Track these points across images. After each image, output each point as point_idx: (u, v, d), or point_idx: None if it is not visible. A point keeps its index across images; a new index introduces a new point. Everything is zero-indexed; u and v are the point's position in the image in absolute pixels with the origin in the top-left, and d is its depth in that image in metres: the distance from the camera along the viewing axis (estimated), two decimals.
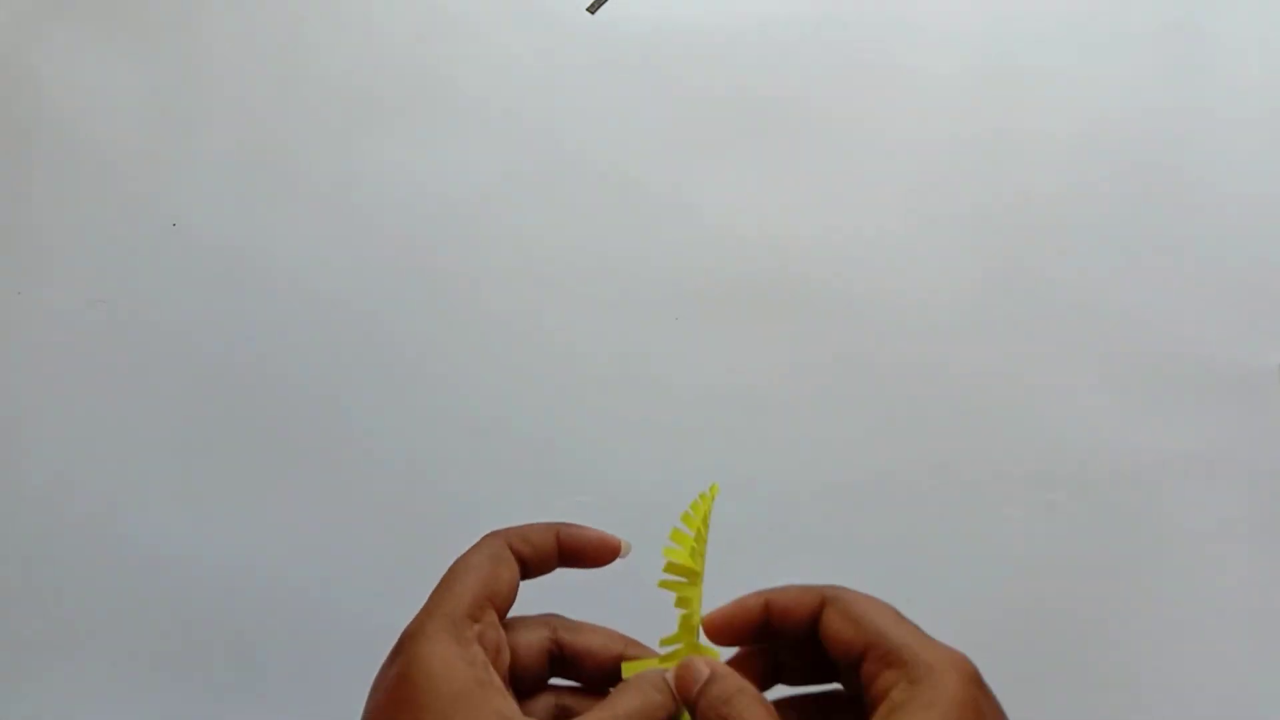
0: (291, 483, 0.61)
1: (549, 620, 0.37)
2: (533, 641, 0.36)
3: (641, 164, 0.67)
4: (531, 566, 0.36)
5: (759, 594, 0.37)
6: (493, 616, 0.34)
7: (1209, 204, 0.65)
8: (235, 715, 0.57)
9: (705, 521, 0.38)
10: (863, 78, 0.68)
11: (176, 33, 0.70)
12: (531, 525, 0.37)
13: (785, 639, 0.36)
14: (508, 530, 0.36)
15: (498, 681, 0.32)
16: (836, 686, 0.36)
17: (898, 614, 0.34)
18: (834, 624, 0.34)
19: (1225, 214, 0.65)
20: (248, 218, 0.66)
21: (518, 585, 0.36)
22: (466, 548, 0.36)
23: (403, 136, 0.68)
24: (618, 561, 0.38)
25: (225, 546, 0.60)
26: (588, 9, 0.69)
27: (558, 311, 0.64)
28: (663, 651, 0.36)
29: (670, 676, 0.34)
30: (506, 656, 0.35)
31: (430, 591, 0.35)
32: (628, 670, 0.36)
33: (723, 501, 0.62)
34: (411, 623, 0.33)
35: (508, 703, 0.31)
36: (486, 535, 0.36)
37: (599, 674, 0.37)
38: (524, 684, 0.36)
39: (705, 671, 0.34)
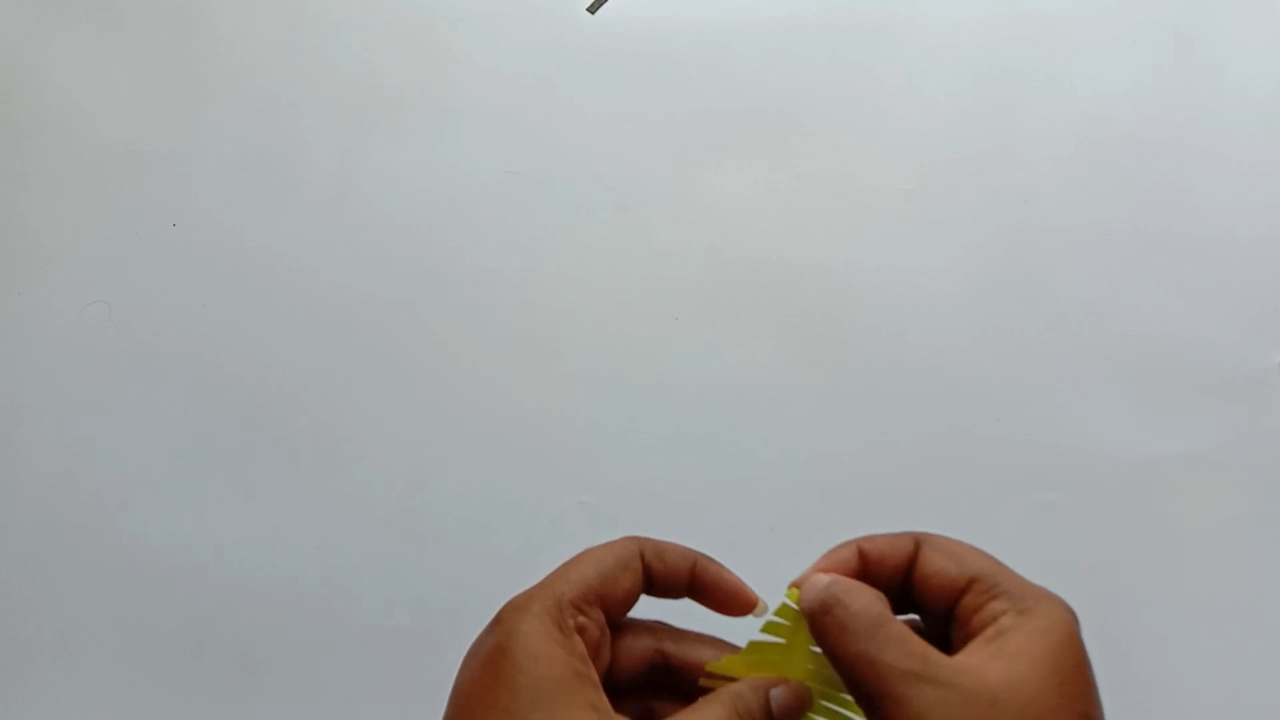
0: (292, 483, 0.61)
1: (655, 627, 0.36)
2: (634, 647, 0.35)
3: (641, 163, 0.67)
4: (659, 584, 0.35)
5: (848, 544, 0.36)
6: (599, 615, 0.33)
7: (1209, 204, 0.65)
8: (235, 716, 0.57)
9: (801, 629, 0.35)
10: (863, 77, 0.68)
11: (176, 33, 0.70)
12: (674, 545, 0.36)
13: (878, 586, 0.34)
14: (647, 540, 0.36)
15: (594, 676, 0.31)
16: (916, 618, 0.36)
17: (994, 558, 0.34)
18: (935, 561, 0.34)
19: (1225, 214, 0.65)
20: (248, 218, 0.66)
21: (637, 595, 0.35)
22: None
23: (403, 136, 0.68)
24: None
25: (226, 546, 0.59)
26: (588, 9, 0.69)
27: (557, 311, 0.64)
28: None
29: (761, 690, 0.33)
30: (606, 657, 0.34)
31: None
32: (708, 681, 0.34)
33: (722, 501, 0.62)
34: (517, 596, 0.33)
35: (602, 698, 0.31)
36: (625, 537, 0.35)
37: (701, 689, 0.36)
38: (621, 688, 0.35)
39: (825, 579, 0.33)
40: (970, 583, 0.33)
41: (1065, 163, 0.66)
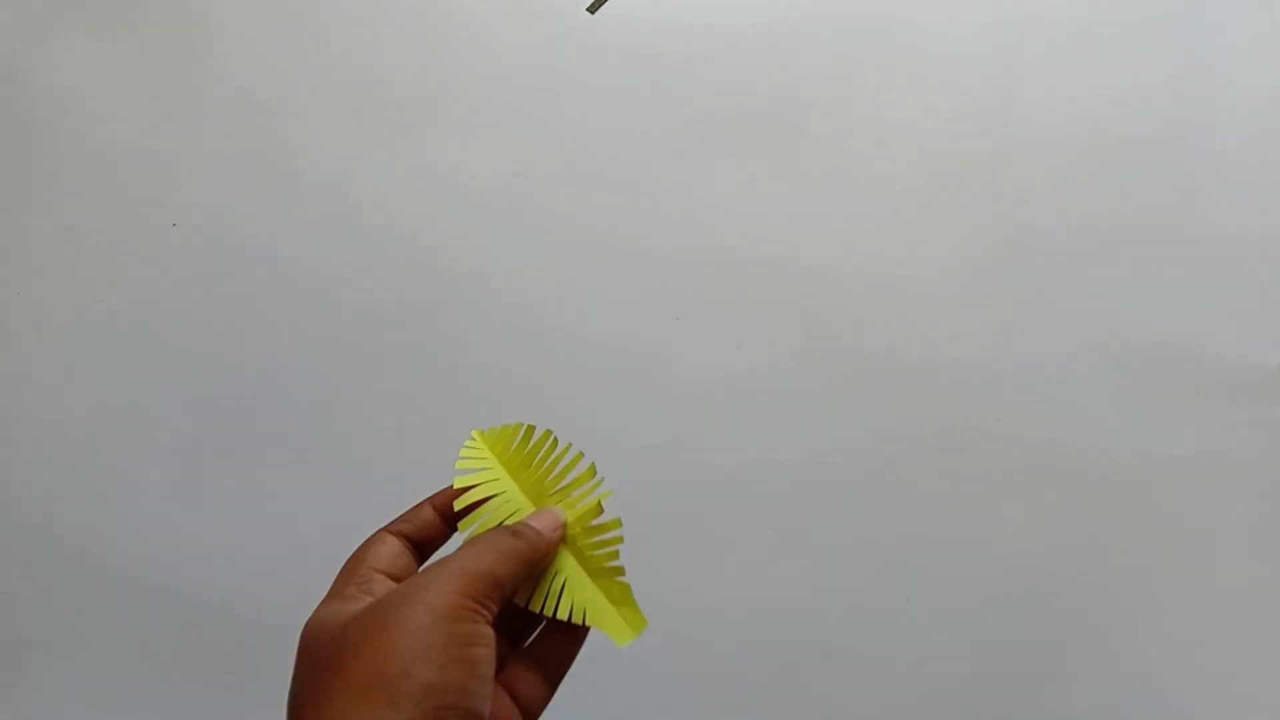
0: (292, 482, 0.61)
1: (390, 527, 0.39)
2: (392, 554, 0.38)
3: (641, 163, 0.67)
4: (420, 541, 0.39)
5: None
6: (382, 579, 0.36)
7: (1209, 204, 0.65)
8: (235, 716, 0.57)
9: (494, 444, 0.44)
10: (863, 77, 0.68)
11: (176, 33, 0.70)
12: (411, 508, 0.40)
13: None
14: (390, 523, 0.40)
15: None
16: None
17: None
18: None
19: (1226, 214, 0.65)
20: (248, 218, 0.66)
21: (406, 557, 0.38)
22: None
23: (403, 136, 0.68)
24: None
25: (225, 546, 0.59)
26: (588, 9, 0.69)
27: (557, 311, 0.64)
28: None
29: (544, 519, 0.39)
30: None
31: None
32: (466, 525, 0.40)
33: (724, 500, 0.62)
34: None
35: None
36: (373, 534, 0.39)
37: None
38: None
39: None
40: None
41: (1066, 163, 0.66)
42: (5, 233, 0.66)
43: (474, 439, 0.45)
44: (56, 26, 0.70)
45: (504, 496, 0.42)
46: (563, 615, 0.39)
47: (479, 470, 0.43)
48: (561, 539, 0.40)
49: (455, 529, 0.41)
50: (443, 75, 0.69)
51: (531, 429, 0.45)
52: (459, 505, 0.41)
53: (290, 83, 0.69)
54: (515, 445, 0.45)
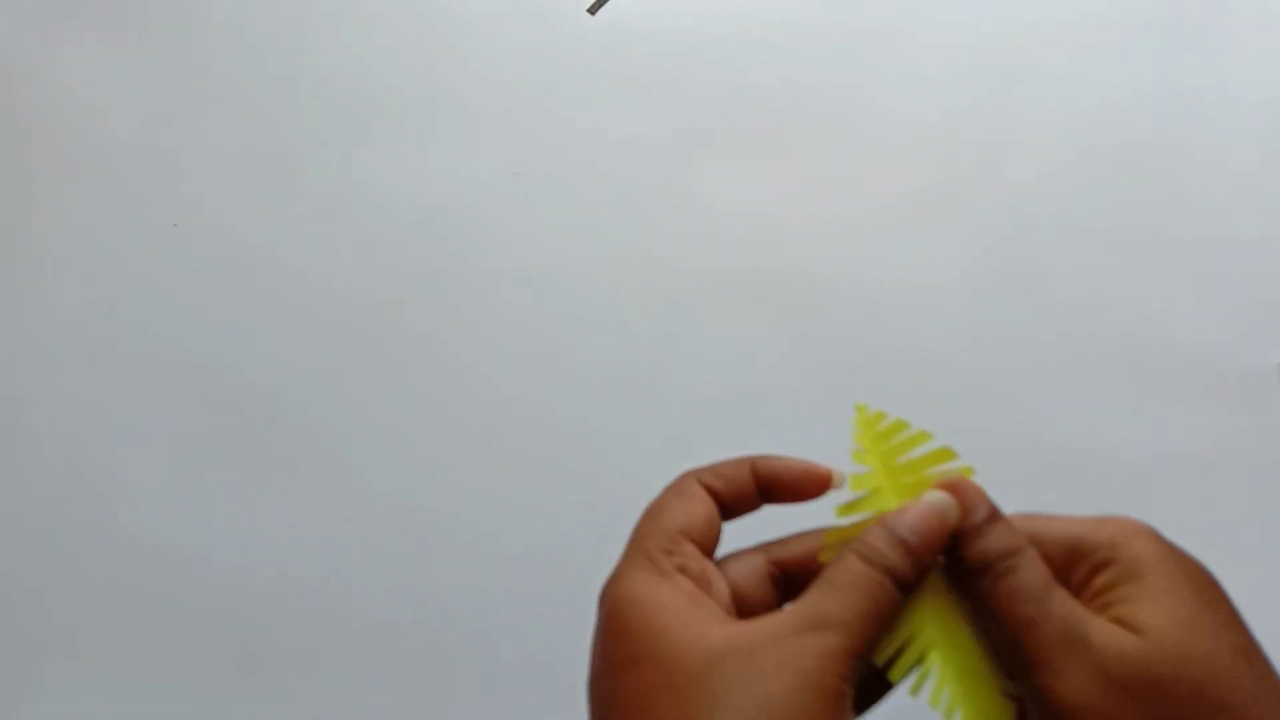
0: (293, 483, 0.61)
1: (759, 546, 0.34)
2: (747, 570, 0.33)
3: (642, 164, 0.67)
4: (728, 503, 0.34)
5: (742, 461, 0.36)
6: (692, 549, 0.31)
7: (1209, 205, 0.65)
8: (236, 716, 0.57)
9: (878, 440, 0.35)
10: (864, 80, 0.68)
11: (177, 33, 0.70)
12: (724, 460, 0.35)
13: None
14: (698, 468, 0.34)
15: (711, 602, 0.30)
16: None
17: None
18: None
19: (1225, 215, 0.65)
20: (249, 218, 0.66)
21: (717, 522, 0.33)
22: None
23: (403, 137, 0.68)
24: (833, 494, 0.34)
25: (226, 547, 0.60)
26: (588, 10, 0.69)
27: (558, 310, 0.64)
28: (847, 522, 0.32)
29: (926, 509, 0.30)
30: (723, 588, 0.32)
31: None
32: (830, 541, 0.32)
33: None
34: (608, 576, 0.31)
35: (727, 616, 0.29)
36: (678, 476, 0.34)
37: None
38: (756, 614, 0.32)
39: (984, 509, 0.32)
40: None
41: (1066, 165, 0.66)
42: (6, 233, 0.66)
43: (859, 416, 0.36)
44: (56, 26, 0.70)
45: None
46: (934, 706, 0.30)
47: (867, 471, 0.34)
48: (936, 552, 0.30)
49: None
50: (443, 76, 0.69)
51: (948, 452, 0.35)
52: (841, 513, 0.33)
53: (292, 84, 0.69)
54: (896, 441, 0.35)
